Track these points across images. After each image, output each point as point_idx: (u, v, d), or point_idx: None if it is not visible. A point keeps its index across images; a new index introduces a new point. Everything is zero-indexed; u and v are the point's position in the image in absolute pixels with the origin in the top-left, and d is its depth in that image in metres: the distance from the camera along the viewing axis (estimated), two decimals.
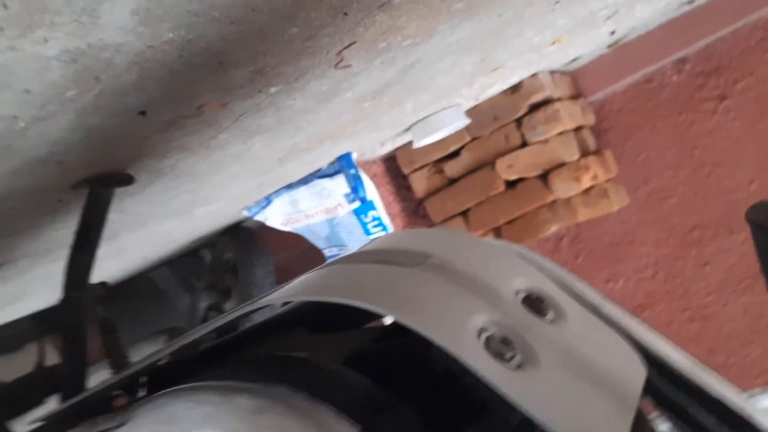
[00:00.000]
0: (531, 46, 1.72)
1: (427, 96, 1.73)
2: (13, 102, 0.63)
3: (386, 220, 2.33)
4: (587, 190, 2.42)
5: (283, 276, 2.76)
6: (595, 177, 2.37)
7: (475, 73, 1.75)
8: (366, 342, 0.63)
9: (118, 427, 0.49)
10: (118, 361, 0.97)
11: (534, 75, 2.34)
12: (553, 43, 1.86)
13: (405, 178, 2.73)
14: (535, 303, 0.58)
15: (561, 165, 2.37)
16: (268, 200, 2.36)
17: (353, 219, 2.32)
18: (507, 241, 0.75)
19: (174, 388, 0.50)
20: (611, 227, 2.81)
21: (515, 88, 2.37)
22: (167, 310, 3.04)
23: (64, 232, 1.34)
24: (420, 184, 2.64)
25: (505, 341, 0.50)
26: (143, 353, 1.81)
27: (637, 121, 2.74)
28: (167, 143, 1.02)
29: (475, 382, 0.48)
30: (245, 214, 2.42)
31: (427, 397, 0.53)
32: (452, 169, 2.56)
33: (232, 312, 0.63)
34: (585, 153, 2.42)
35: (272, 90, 1.00)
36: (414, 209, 2.83)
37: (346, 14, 0.81)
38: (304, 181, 2.28)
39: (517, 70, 2.05)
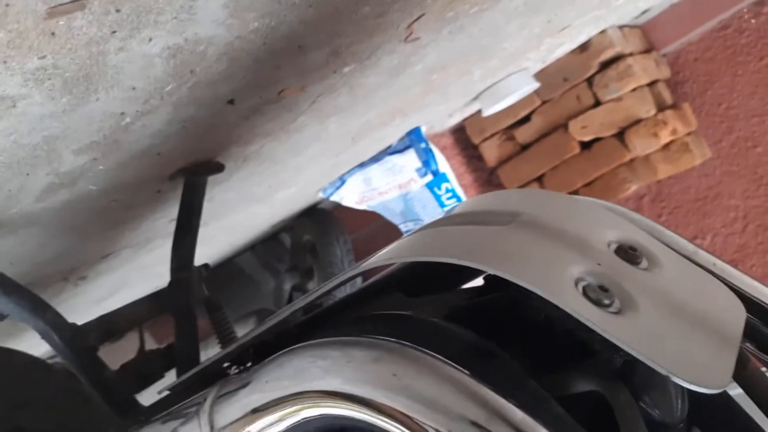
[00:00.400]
0: (599, 1, 1.68)
1: (495, 61, 1.73)
2: (121, 99, 0.68)
3: (460, 191, 2.34)
4: (667, 146, 2.34)
5: (362, 253, 2.82)
6: (674, 131, 2.29)
7: (542, 34, 1.73)
8: (463, 300, 0.65)
9: (244, 386, 0.54)
10: (225, 336, 1.04)
11: (603, 32, 2.28)
12: None
13: (475, 147, 2.72)
14: (628, 252, 0.59)
15: (637, 122, 2.31)
16: (342, 180, 2.41)
17: (427, 193, 2.35)
18: (592, 198, 0.76)
19: (291, 347, 0.54)
20: (695, 182, 2.71)
21: (584, 47, 2.31)
22: (254, 292, 3.17)
23: (162, 222, 1.43)
24: (491, 152, 2.63)
25: (603, 288, 0.52)
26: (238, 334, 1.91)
27: (716, 70, 2.62)
28: (252, 130, 1.08)
29: (575, 328, 0.50)
30: (321, 195, 2.49)
31: (529, 344, 0.55)
32: (523, 134, 2.53)
33: (330, 282, 0.67)
34: (662, 107, 2.34)
35: (346, 69, 1.03)
36: (486, 178, 2.82)
37: None
38: (376, 158, 2.32)
39: (585, 28, 2.00)
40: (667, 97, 2.47)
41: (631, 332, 0.49)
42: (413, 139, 2.20)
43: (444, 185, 2.32)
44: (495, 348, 0.54)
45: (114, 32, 0.54)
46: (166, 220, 1.44)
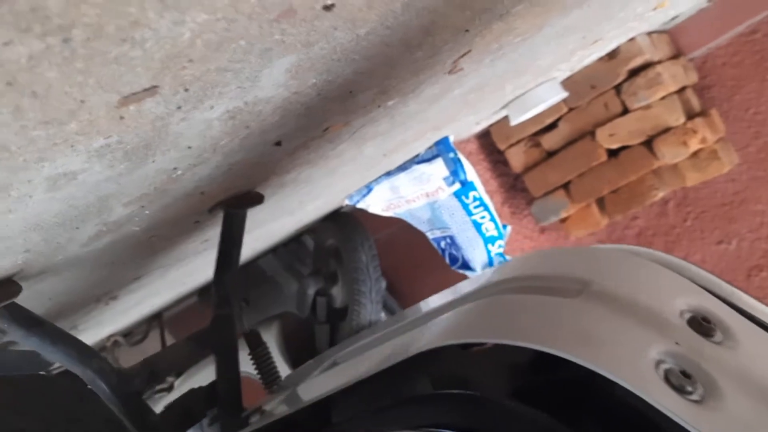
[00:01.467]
0: (635, 15, 1.65)
1: (527, 76, 1.70)
2: (176, 158, 0.67)
3: (487, 200, 2.32)
4: (695, 153, 2.31)
5: (384, 254, 2.81)
6: (703, 140, 2.26)
7: (575, 48, 1.70)
8: (526, 368, 0.64)
9: None
10: (267, 372, 1.03)
11: (631, 39, 2.24)
12: (655, 8, 1.77)
13: (501, 153, 2.70)
14: (702, 325, 0.58)
15: (666, 130, 2.27)
16: (368, 188, 2.40)
17: (454, 201, 2.33)
18: (649, 249, 0.73)
19: None
20: (721, 186, 2.67)
21: (612, 55, 2.28)
22: (277, 295, 3.16)
23: (195, 244, 1.42)
24: (517, 158, 2.60)
25: (685, 374, 0.50)
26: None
27: (744, 75, 2.58)
28: (293, 161, 1.06)
29: (657, 417, 0.48)
30: (347, 203, 2.47)
31: (602, 424, 0.53)
32: (550, 141, 2.51)
33: (393, 356, 0.63)
34: (691, 115, 2.31)
35: (390, 103, 1.02)
36: (512, 184, 2.80)
37: (467, 31, 0.81)
38: (403, 167, 2.30)
39: (616, 38, 1.97)
40: (696, 103, 2.43)
41: (720, 427, 0.48)
42: (441, 148, 2.18)
43: (471, 194, 2.30)
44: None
45: (179, 108, 0.53)
46: (198, 242, 1.43)
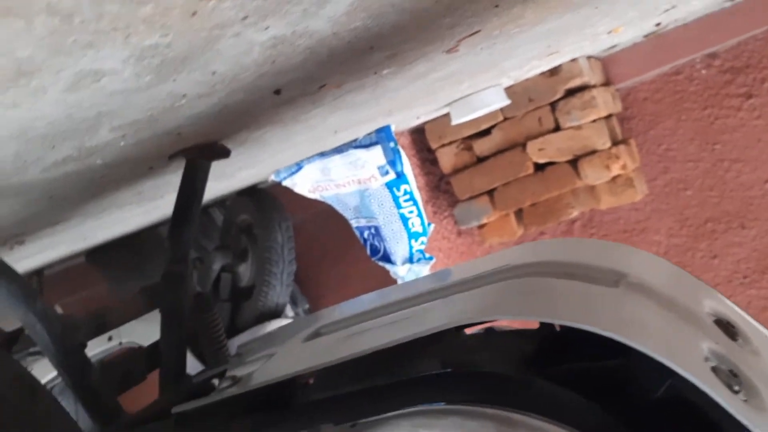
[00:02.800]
0: (594, 34, 1.70)
1: (486, 75, 1.71)
2: (194, 82, 0.60)
3: (417, 195, 2.32)
4: (614, 179, 2.43)
5: (299, 237, 2.74)
6: (624, 167, 2.38)
7: (534, 57, 1.73)
8: (534, 351, 0.62)
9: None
10: (213, 340, 0.95)
11: (574, 60, 2.32)
12: (610, 32, 1.84)
13: (431, 152, 2.71)
14: (727, 327, 0.58)
15: (593, 152, 2.38)
16: (298, 166, 2.33)
17: (386, 192, 2.31)
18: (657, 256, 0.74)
19: (392, 413, 0.48)
20: (625, 214, 2.83)
21: (554, 71, 2.35)
22: None
23: (129, 194, 1.31)
24: (447, 159, 2.62)
25: (733, 373, 0.50)
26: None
27: (662, 112, 2.75)
28: (272, 117, 0.99)
29: (704, 409, 0.48)
30: (273, 178, 2.39)
31: (650, 420, 0.52)
32: (482, 147, 2.55)
33: (410, 334, 0.58)
34: (615, 141, 2.42)
35: (385, 72, 0.98)
36: (436, 184, 2.82)
37: (497, 6, 0.79)
38: (339, 150, 2.25)
39: (567, 54, 2.03)
40: (619, 131, 2.56)
41: (763, 424, 0.48)
42: (382, 136, 2.15)
43: (403, 187, 2.29)
44: (607, 417, 0.51)
45: (245, 18, 0.46)
46: (132, 193, 1.32)
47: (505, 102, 2.17)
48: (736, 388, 0.49)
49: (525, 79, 2.37)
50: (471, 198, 2.62)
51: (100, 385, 0.79)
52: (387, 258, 2.45)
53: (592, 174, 2.40)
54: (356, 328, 0.67)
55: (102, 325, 0.79)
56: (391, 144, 2.14)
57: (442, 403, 0.47)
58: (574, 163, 2.43)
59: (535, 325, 0.69)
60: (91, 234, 2.03)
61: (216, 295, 2.76)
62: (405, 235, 2.39)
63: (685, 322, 0.54)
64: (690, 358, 0.49)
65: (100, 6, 0.35)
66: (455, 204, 2.72)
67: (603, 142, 2.37)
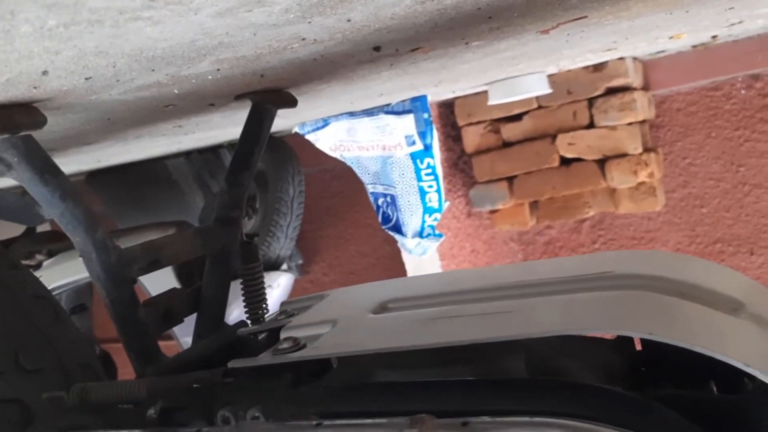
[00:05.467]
0: (657, 37, 1.66)
1: (541, 60, 1.66)
2: (323, 27, 0.55)
3: (440, 171, 2.27)
4: (638, 185, 2.41)
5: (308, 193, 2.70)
6: (651, 175, 2.36)
7: (595, 50, 1.68)
8: (619, 364, 0.59)
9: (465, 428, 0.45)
10: (253, 293, 0.91)
11: (621, 58, 2.27)
12: (671, 37, 1.79)
13: (456, 128, 2.66)
14: None
15: (622, 155, 2.34)
16: (325, 122, 2.27)
17: (409, 162, 2.26)
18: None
19: (504, 420, 0.44)
20: (637, 221, 2.82)
21: (598, 67, 2.30)
22: (178, 202, 2.93)
23: (169, 126, 1.26)
24: (472, 139, 2.58)
25: None
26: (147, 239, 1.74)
27: (693, 126, 2.72)
28: (347, 72, 0.95)
29: None
30: (297, 130, 2.33)
31: None
32: (510, 132, 2.50)
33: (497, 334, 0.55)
34: (645, 148, 2.39)
35: (474, 43, 0.93)
36: (455, 162, 2.77)
37: None
38: (369, 112, 2.19)
39: (618, 52, 1.98)
40: (649, 139, 2.53)
41: None
42: (417, 105, 2.09)
43: (427, 160, 2.24)
44: None
45: None
46: (173, 125, 1.27)
47: (546, 90, 2.12)
48: None
49: (568, 70, 2.32)
50: (489, 181, 2.58)
51: (144, 324, 0.75)
52: (398, 228, 2.41)
53: (618, 177, 2.37)
54: (437, 311, 0.64)
55: (156, 262, 0.75)
56: (425, 115, 2.09)
57: (561, 417, 0.44)
58: (601, 163, 2.40)
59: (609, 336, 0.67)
60: (107, 158, 1.97)
61: None
62: (420, 209, 2.36)
63: None
64: None
65: None
66: (471, 185, 2.68)
67: (635, 147, 2.34)
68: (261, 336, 0.83)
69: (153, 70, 0.59)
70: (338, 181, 3.11)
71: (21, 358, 0.92)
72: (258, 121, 0.91)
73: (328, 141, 2.33)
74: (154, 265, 0.74)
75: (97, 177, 2.95)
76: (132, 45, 0.46)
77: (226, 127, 1.63)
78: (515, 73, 1.92)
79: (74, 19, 0.36)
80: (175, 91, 0.76)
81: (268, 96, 0.92)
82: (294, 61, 0.72)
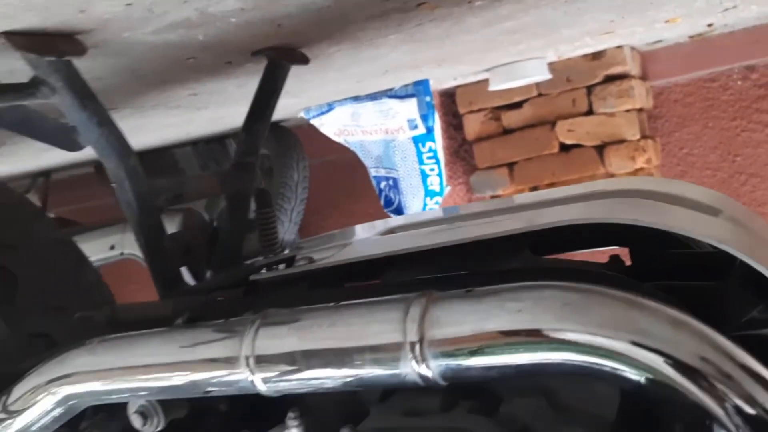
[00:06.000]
0: (654, 20, 1.72)
1: (541, 42, 1.72)
2: None
3: (441, 155, 2.34)
4: (635, 171, 2.46)
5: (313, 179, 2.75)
6: (648, 161, 2.41)
7: (591, 32, 1.74)
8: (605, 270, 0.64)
9: (468, 306, 0.49)
10: (267, 234, 0.97)
11: (619, 47, 2.33)
12: (667, 21, 1.85)
13: (457, 117, 2.72)
14: None
15: (621, 141, 2.40)
16: (330, 107, 2.33)
17: (411, 146, 2.33)
18: None
19: (508, 285, 0.50)
20: None
21: (597, 55, 2.36)
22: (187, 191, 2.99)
23: (184, 93, 1.32)
24: (473, 126, 2.63)
25: None
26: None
27: (690, 116, 2.77)
28: (355, 32, 1.01)
29: None
30: (302, 115, 2.39)
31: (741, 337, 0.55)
32: (510, 119, 2.56)
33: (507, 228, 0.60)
34: (643, 135, 2.45)
35: (478, 3, 0.99)
36: (456, 149, 2.83)
37: None
38: (373, 96, 2.25)
39: (618, 38, 2.04)
40: (647, 127, 2.58)
41: None
42: (419, 89, 2.16)
43: (429, 144, 2.31)
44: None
45: None
46: (188, 92, 1.33)
47: (546, 76, 2.18)
48: None
49: (567, 57, 2.38)
50: (490, 168, 2.64)
51: (168, 251, 0.81)
52: (400, 211, 2.47)
53: (617, 163, 2.43)
54: (441, 227, 0.69)
55: (180, 196, 0.81)
56: (427, 98, 2.15)
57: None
58: (600, 149, 2.46)
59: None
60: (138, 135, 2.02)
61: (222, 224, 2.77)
62: (422, 192, 2.42)
63: None
64: None
65: None
66: (472, 171, 2.74)
67: (632, 133, 2.40)
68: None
69: (185, 1, 0.65)
70: (341, 172, 3.16)
71: (47, 297, 0.98)
72: (272, 76, 0.97)
73: (332, 126, 2.40)
74: (178, 198, 0.80)
75: (101, 169, 3.00)
76: None
77: (236, 105, 1.69)
78: (516, 57, 1.99)
79: None
80: (200, 37, 0.82)
81: (282, 53, 0.98)
82: (309, 7, 0.78)
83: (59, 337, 0.93)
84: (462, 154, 2.85)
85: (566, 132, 2.48)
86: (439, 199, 2.45)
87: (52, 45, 0.63)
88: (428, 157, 2.34)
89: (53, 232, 1.06)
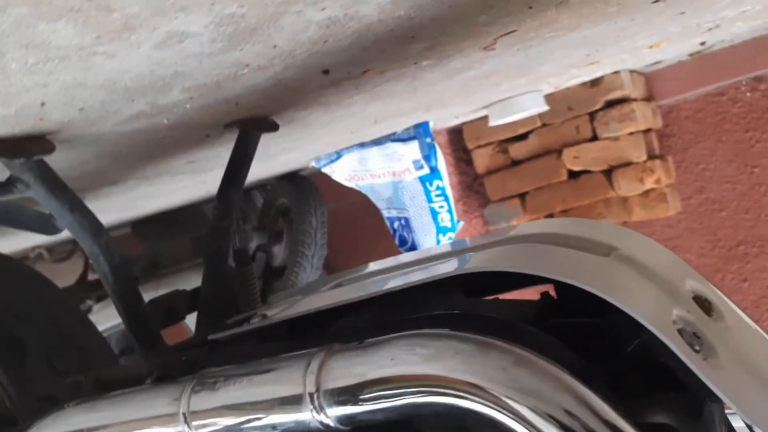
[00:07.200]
0: (633, 47, 1.76)
1: (523, 80, 1.78)
2: (257, 54, 0.69)
3: (449, 191, 2.40)
4: (647, 192, 2.47)
5: (333, 225, 2.85)
6: (658, 181, 2.42)
7: (573, 64, 1.80)
8: (533, 313, 0.70)
9: (359, 358, 0.56)
10: (248, 291, 1.06)
11: (616, 72, 2.37)
12: (651, 47, 1.89)
13: (467, 152, 2.78)
14: (704, 303, 0.66)
15: (627, 164, 2.42)
16: (338, 155, 2.43)
17: (418, 185, 2.40)
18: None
19: (390, 336, 0.56)
20: (658, 229, 2.85)
21: (595, 82, 2.41)
22: None
23: (181, 162, 1.42)
24: (482, 160, 2.69)
25: (695, 335, 0.58)
26: (188, 279, 1.90)
27: (703, 132, 2.76)
28: (317, 98, 1.09)
29: (669, 365, 0.56)
30: (313, 165, 2.49)
31: (609, 370, 0.60)
32: (517, 150, 2.61)
33: (409, 281, 0.67)
34: (651, 156, 2.47)
35: (424, 63, 1.06)
36: (469, 184, 2.89)
37: (530, 8, 0.87)
38: (377, 142, 2.34)
39: (607, 66, 2.09)
40: (656, 146, 2.59)
41: (720, 379, 0.56)
42: (420, 132, 2.23)
43: (436, 182, 2.37)
44: (585, 364, 0.59)
45: None
46: (185, 161, 1.43)
47: (543, 108, 2.24)
48: (697, 347, 0.57)
49: (566, 87, 2.43)
50: (502, 200, 2.69)
51: (147, 316, 0.90)
52: (414, 249, 2.53)
53: (626, 185, 2.45)
54: (372, 279, 0.76)
55: (155, 265, 0.89)
56: (428, 139, 2.23)
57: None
58: (608, 173, 2.48)
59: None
60: (141, 203, 2.16)
61: None
62: (433, 229, 2.48)
63: (662, 291, 0.61)
64: (658, 317, 0.56)
65: None
66: (486, 204, 2.79)
67: (638, 155, 2.42)
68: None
69: (133, 100, 0.75)
70: (362, 214, 3.25)
71: (54, 361, 1.08)
72: (243, 145, 1.06)
73: (342, 172, 2.49)
74: (154, 266, 0.89)
75: (140, 226, 3.17)
76: (103, 77, 0.62)
77: None
78: (507, 94, 2.05)
79: (47, 56, 0.52)
80: (165, 121, 0.92)
81: (251, 123, 1.08)
82: (256, 87, 0.87)
83: (63, 397, 1.03)
84: (476, 187, 2.91)
85: (573, 159, 2.51)
86: (452, 234, 2.50)
87: (22, 148, 0.73)
88: (436, 195, 2.40)
89: (60, 300, 1.17)
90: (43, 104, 0.64)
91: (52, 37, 0.47)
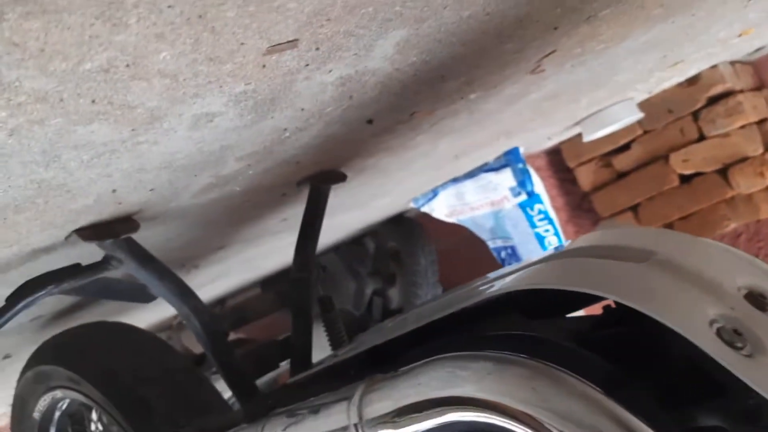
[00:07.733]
0: (717, 40, 1.67)
1: (603, 92, 1.74)
2: (289, 118, 0.77)
3: (552, 213, 2.35)
4: (767, 188, 2.28)
5: (444, 263, 2.87)
6: None
7: (654, 68, 1.73)
8: (583, 327, 0.70)
9: (393, 386, 0.60)
10: (335, 336, 1.12)
11: (714, 66, 2.25)
12: (740, 35, 1.78)
13: (569, 171, 2.72)
14: (757, 299, 0.63)
15: (743, 159, 2.26)
16: (434, 192, 2.47)
17: (519, 212, 2.37)
18: (717, 241, 0.78)
19: (436, 357, 0.59)
20: None
21: (692, 81, 2.29)
22: (335, 292, 3.25)
23: (274, 221, 1.53)
24: (586, 177, 2.63)
25: (736, 332, 0.56)
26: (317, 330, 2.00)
27: None
28: (377, 145, 1.15)
29: (710, 367, 0.54)
30: (412, 205, 2.55)
31: (657, 378, 0.59)
32: (622, 162, 2.52)
33: (453, 305, 0.70)
34: (767, 148, 2.29)
35: (472, 96, 1.09)
36: (578, 203, 2.82)
37: (555, 28, 0.88)
38: (470, 174, 2.37)
39: (697, 63, 1.99)
40: None
41: (763, 376, 0.53)
42: (510, 159, 2.23)
43: (537, 206, 2.34)
44: (625, 376, 0.59)
45: (307, 65, 0.62)
46: (278, 220, 1.54)
47: (638, 116, 2.16)
48: (739, 344, 0.55)
49: (661, 90, 2.33)
50: (614, 215, 2.59)
51: (240, 366, 0.98)
52: None
53: (745, 182, 2.28)
54: (431, 304, 0.79)
55: (242, 318, 0.98)
56: (520, 165, 2.22)
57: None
58: (723, 172, 2.33)
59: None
60: (256, 263, 2.32)
61: (369, 317, 2.97)
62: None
63: (701, 291, 0.59)
64: (691, 319, 0.55)
65: (194, 67, 0.52)
66: (597, 222, 2.70)
67: (754, 149, 2.25)
68: None
69: (196, 175, 0.84)
70: (470, 246, 3.25)
71: (174, 417, 1.19)
72: (315, 199, 1.14)
73: (442, 209, 2.53)
74: (239, 321, 0.97)
75: (268, 283, 3.37)
76: (157, 160, 0.71)
77: (336, 215, 1.90)
78: (593, 108, 2.01)
79: (97, 152, 0.62)
80: (237, 188, 1.02)
81: (320, 178, 1.16)
82: (307, 146, 0.95)
83: None
84: (585, 206, 2.83)
85: (682, 163, 2.39)
86: None
87: (110, 230, 0.85)
88: (539, 219, 2.37)
89: (178, 362, 1.29)
90: (114, 191, 0.75)
91: (93, 137, 0.57)
